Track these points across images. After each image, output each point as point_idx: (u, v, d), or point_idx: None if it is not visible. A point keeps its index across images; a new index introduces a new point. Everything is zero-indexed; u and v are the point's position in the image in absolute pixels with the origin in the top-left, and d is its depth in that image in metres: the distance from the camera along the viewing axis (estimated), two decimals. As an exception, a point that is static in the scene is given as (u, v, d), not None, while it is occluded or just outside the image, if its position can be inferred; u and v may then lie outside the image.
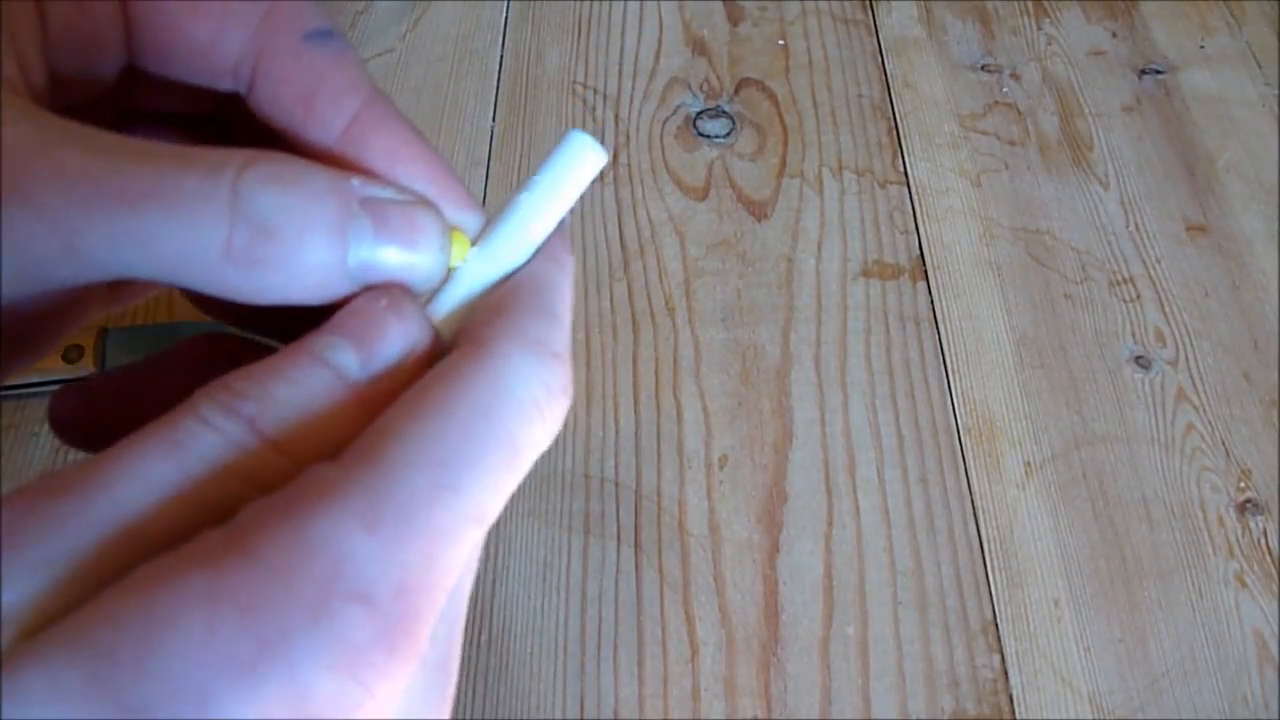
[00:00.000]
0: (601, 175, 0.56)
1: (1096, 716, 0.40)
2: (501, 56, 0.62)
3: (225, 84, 0.18)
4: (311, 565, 0.13)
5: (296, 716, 0.12)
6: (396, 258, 0.17)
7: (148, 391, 0.20)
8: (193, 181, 0.15)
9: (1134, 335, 0.50)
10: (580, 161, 0.19)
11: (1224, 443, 0.47)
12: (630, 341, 0.50)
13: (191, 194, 0.14)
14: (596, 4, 0.64)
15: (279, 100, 0.18)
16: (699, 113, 0.59)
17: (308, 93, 0.18)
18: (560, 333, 0.18)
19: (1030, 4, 0.65)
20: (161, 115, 0.21)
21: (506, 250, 0.19)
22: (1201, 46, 0.63)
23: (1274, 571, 0.43)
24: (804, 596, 0.43)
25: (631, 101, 0.60)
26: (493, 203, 0.55)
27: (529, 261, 0.19)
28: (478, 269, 0.19)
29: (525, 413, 0.16)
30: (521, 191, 0.19)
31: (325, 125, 0.18)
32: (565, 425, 0.47)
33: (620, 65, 0.61)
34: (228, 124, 0.21)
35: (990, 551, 0.44)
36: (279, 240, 0.15)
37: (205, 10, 0.17)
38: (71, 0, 0.17)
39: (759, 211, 0.55)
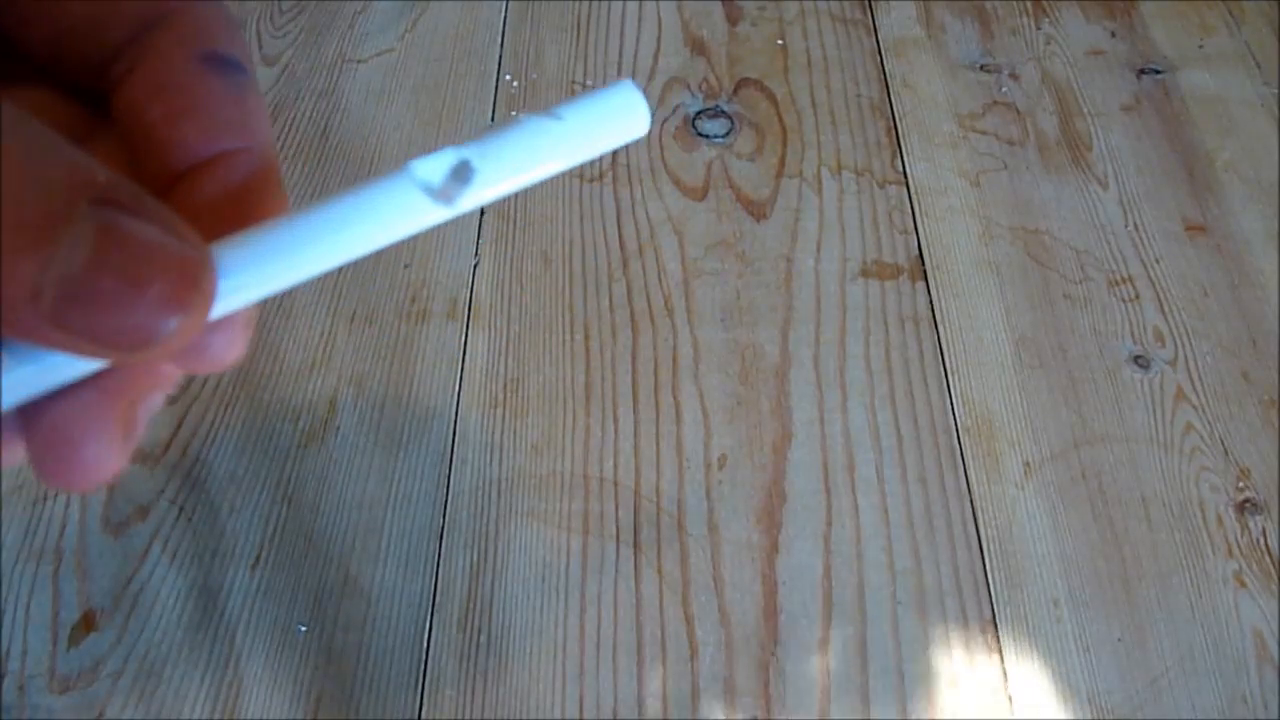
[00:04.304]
0: (600, 175, 0.56)
1: (1095, 716, 0.40)
2: (501, 56, 0.62)
3: (91, 78, 0.17)
4: None
5: None
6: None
7: None
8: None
9: (1133, 335, 0.50)
10: (621, 117, 0.16)
11: (1223, 442, 0.47)
12: (629, 341, 0.50)
13: None
14: (595, 4, 0.64)
15: (144, 110, 0.16)
16: (698, 112, 0.59)
17: (176, 113, 0.16)
18: None
19: (1029, 4, 0.65)
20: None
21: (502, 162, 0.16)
22: (1200, 46, 0.63)
23: (1273, 571, 0.43)
24: (803, 596, 0.43)
25: (630, 101, 0.60)
26: (490, 204, 0.55)
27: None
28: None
29: None
30: (543, 117, 0.16)
31: (180, 153, 0.16)
32: (564, 425, 0.47)
33: (619, 65, 0.61)
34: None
35: (989, 551, 0.44)
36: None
37: None
38: None
39: (758, 211, 0.55)
